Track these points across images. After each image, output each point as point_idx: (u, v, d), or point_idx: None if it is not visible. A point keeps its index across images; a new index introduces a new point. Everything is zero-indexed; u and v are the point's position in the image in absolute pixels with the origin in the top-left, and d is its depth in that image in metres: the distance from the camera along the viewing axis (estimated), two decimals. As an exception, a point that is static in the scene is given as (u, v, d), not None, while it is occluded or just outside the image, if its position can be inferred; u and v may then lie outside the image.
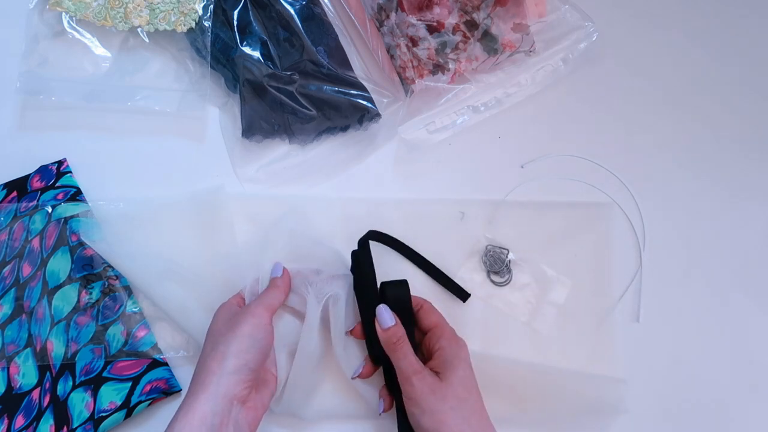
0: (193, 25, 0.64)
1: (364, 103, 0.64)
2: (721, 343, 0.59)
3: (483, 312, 0.59)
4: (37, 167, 0.61)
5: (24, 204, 0.59)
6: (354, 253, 0.55)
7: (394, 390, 0.50)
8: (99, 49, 0.65)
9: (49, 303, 0.55)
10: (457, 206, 0.62)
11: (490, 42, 0.65)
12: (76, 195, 0.60)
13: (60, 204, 0.59)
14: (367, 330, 0.51)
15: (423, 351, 0.52)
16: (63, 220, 0.58)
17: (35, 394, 0.53)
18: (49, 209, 0.58)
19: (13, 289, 0.56)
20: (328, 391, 0.55)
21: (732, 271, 0.62)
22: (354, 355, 0.54)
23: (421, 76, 0.63)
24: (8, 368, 0.54)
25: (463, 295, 0.59)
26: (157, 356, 0.54)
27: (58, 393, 0.53)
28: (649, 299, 0.60)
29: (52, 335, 0.54)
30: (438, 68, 0.64)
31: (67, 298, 0.55)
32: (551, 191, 0.64)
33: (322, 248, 0.56)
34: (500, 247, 0.60)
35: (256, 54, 0.64)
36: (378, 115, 0.64)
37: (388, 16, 0.65)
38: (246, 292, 0.54)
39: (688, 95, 0.69)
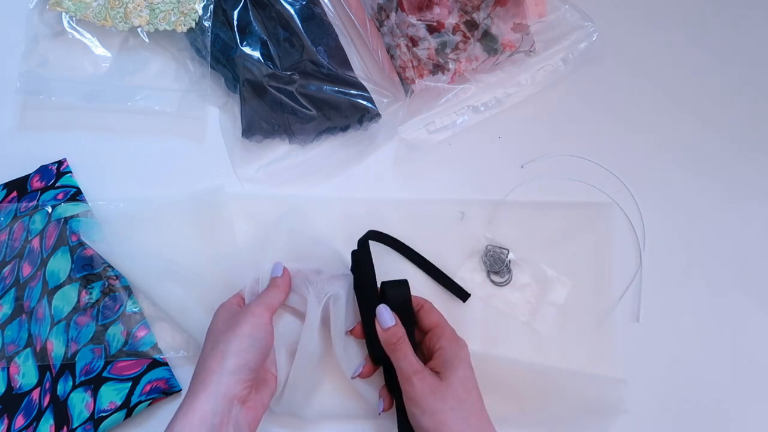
0: (193, 25, 0.64)
1: (364, 103, 0.64)
2: (721, 343, 0.59)
3: (483, 312, 0.59)
4: (37, 167, 0.61)
5: (24, 204, 0.59)
6: (354, 253, 0.55)
7: (394, 390, 0.50)
8: (99, 49, 0.65)
9: (49, 303, 0.55)
10: (457, 206, 0.62)
11: (490, 42, 0.65)
12: (76, 195, 0.60)
13: (60, 204, 0.59)
14: (367, 330, 0.51)
15: (423, 351, 0.52)
16: (63, 220, 0.58)
17: (35, 394, 0.53)
18: (49, 209, 0.58)
19: (13, 289, 0.56)
20: (328, 390, 0.55)
21: (732, 271, 0.62)
22: (354, 354, 0.54)
23: (421, 76, 0.63)
24: (8, 368, 0.54)
25: (463, 295, 0.59)
26: (157, 356, 0.54)
27: (58, 393, 0.53)
28: (649, 299, 0.60)
29: (52, 335, 0.54)
30: (438, 68, 0.64)
31: (67, 298, 0.55)
32: (551, 191, 0.64)
33: (322, 248, 0.56)
34: (500, 247, 0.60)
35: (256, 54, 0.64)
36: (378, 115, 0.64)
37: (388, 16, 0.65)
38: (246, 291, 0.54)
39: (688, 95, 0.69)
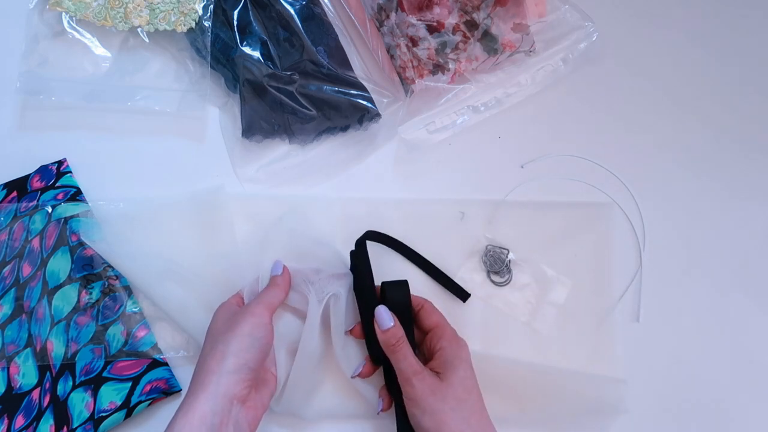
0: (193, 25, 0.64)
1: (364, 103, 0.64)
2: (721, 343, 0.59)
3: (483, 312, 0.59)
4: (37, 167, 0.61)
5: (24, 204, 0.59)
6: (351, 254, 0.55)
7: (393, 390, 0.50)
8: (99, 49, 0.65)
9: (49, 303, 0.55)
10: (457, 206, 0.62)
11: (490, 42, 0.65)
12: (76, 195, 0.60)
13: (60, 204, 0.59)
14: (367, 331, 0.51)
15: (424, 351, 0.52)
16: (63, 220, 0.58)
17: (35, 394, 0.53)
18: (49, 209, 0.58)
19: (13, 289, 0.56)
20: (328, 390, 0.55)
21: (732, 271, 0.62)
22: (354, 354, 0.53)
23: (421, 76, 0.63)
24: (8, 368, 0.54)
25: (463, 295, 0.59)
26: (157, 356, 0.54)
27: (58, 393, 0.53)
28: (649, 299, 0.60)
29: (52, 335, 0.54)
30: (438, 68, 0.64)
31: (67, 298, 0.55)
32: (551, 191, 0.64)
33: (322, 248, 0.56)
34: (500, 247, 0.60)
35: (256, 54, 0.64)
36: (378, 115, 0.64)
37: (388, 16, 0.65)
38: (246, 291, 0.54)
39: (688, 95, 0.69)
